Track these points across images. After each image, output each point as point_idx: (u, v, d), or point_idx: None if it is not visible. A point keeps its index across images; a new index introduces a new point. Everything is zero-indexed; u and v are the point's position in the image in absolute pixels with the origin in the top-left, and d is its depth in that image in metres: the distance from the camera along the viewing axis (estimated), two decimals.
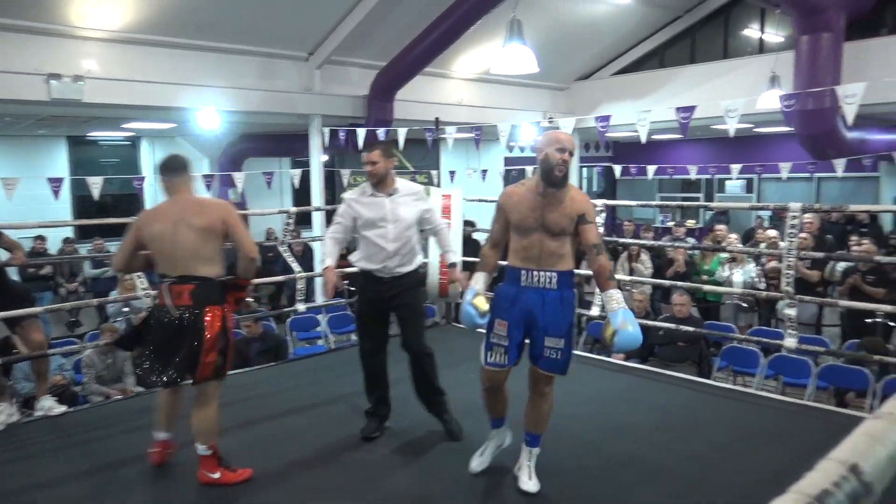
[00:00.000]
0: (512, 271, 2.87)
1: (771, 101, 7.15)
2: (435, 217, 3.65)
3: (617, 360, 5.47)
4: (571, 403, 4.04)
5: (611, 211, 15.82)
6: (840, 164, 8.52)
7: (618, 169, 11.20)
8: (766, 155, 12.14)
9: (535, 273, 2.82)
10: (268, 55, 8.65)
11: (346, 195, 3.64)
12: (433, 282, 5.95)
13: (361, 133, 8.21)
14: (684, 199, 15.28)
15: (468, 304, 2.89)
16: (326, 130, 8.84)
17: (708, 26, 10.45)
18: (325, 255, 3.61)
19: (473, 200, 6.29)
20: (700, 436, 3.61)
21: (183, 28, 7.67)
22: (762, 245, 7.96)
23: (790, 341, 3.85)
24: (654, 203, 14.00)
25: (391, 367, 3.66)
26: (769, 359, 5.33)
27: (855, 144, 8.80)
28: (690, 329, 4.95)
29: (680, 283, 5.22)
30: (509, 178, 15.42)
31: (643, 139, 5.38)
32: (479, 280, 2.95)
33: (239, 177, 8.68)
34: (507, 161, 14.57)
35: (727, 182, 14.08)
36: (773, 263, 6.51)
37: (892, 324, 6.15)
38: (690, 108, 5.19)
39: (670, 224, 12.77)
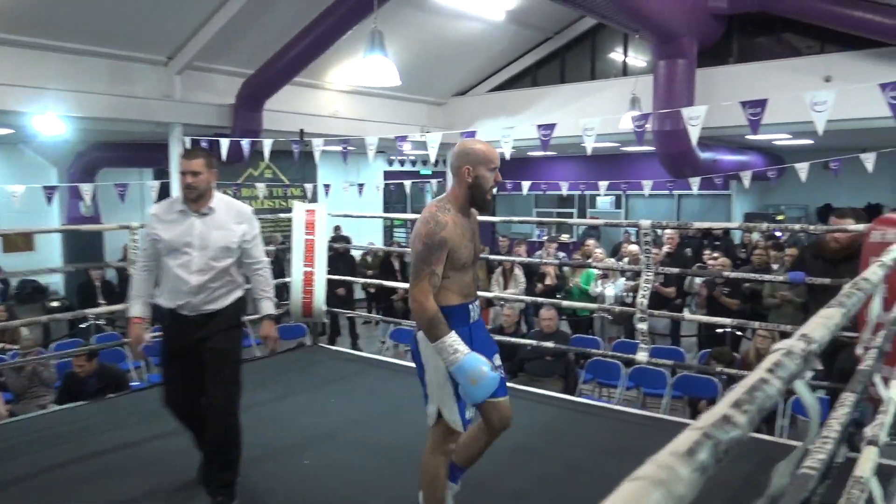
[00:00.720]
0: (458, 309, 2.46)
1: (631, 121, 7.48)
2: (256, 251, 3.00)
3: None
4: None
5: (490, 226, 16.10)
6: (696, 182, 9.06)
7: None
8: (633, 172, 12.78)
9: (475, 305, 2.56)
10: (121, 58, 8.00)
11: (153, 208, 3.04)
12: (296, 300, 5.66)
13: (225, 143, 7.76)
14: (559, 214, 15.81)
15: (491, 373, 2.31)
16: (188, 140, 8.29)
17: (576, 48, 10.85)
18: (130, 300, 3.01)
19: (338, 216, 6.04)
20: (559, 455, 3.58)
21: (19, 24, 6.91)
22: (625, 259, 8.28)
23: (641, 355, 3.93)
24: (515, 219, 14.38)
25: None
26: (629, 371, 5.47)
27: (708, 164, 9.42)
28: (551, 345, 4.97)
29: (541, 300, 5.25)
30: (388, 192, 15.33)
31: (507, 155, 5.41)
32: (459, 339, 2.34)
33: (87, 188, 7.94)
34: (388, 175, 14.45)
35: (598, 198, 14.70)
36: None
37: (739, 333, 6.56)
38: (551, 126, 5.28)
39: (545, 239, 13.15)
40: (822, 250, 3.50)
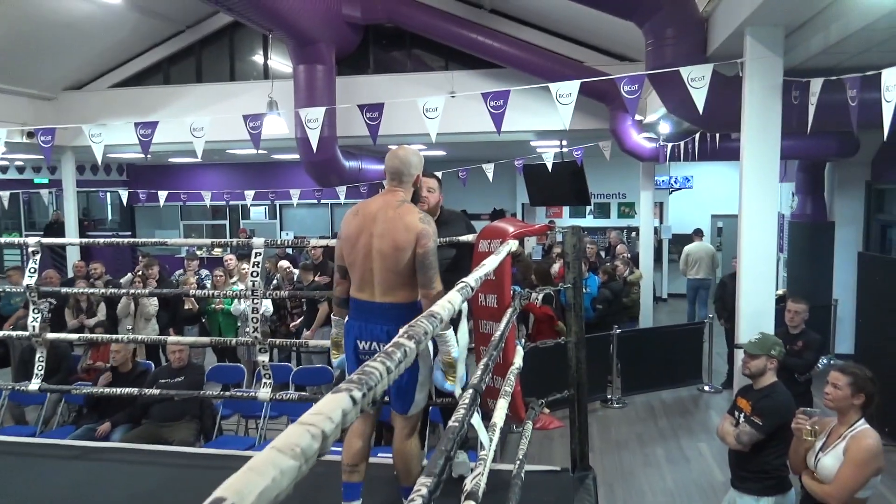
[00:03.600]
0: None
1: (272, 126, 6.93)
2: None
3: (93, 442, 4.32)
4: None
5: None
6: (342, 191, 8.96)
7: (125, 194, 9.79)
8: (286, 181, 12.31)
9: None
10: None
11: None
12: None
13: None
14: (213, 226, 14.67)
15: None
16: None
17: (213, 46, 9.96)
18: None
19: None
20: None
21: None
22: (278, 276, 7.77)
23: (263, 392, 3.39)
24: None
25: None
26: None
27: (353, 172, 9.41)
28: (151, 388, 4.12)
29: (162, 337, 4.38)
30: None
31: (98, 158, 4.40)
32: None
33: None
34: None
35: (252, 209, 13.93)
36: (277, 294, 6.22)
37: None
38: (152, 125, 4.45)
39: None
40: None
